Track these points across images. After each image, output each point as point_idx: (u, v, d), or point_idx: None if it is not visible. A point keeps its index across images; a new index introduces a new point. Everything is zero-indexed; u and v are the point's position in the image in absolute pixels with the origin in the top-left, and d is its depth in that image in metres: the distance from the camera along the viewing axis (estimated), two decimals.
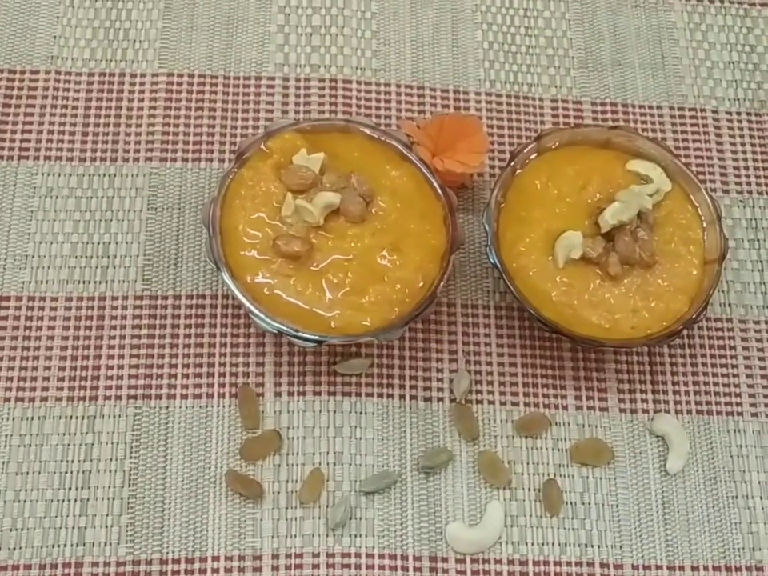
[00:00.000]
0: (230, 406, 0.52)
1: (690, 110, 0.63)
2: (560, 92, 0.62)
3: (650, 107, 0.62)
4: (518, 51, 0.63)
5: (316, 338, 0.49)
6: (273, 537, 0.50)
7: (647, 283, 0.52)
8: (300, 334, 0.49)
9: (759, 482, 0.54)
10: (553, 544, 0.51)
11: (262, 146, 0.52)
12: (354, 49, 0.61)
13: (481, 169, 0.57)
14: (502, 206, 0.53)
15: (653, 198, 0.53)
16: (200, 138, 0.58)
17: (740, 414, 0.55)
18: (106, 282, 0.54)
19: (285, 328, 0.49)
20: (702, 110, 0.63)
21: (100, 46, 0.60)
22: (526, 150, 0.54)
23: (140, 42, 0.60)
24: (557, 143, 0.55)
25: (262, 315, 0.49)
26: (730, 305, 0.58)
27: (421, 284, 0.51)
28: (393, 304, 0.50)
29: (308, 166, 0.51)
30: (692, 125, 0.62)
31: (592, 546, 0.51)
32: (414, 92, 0.61)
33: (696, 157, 0.61)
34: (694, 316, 0.52)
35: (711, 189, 0.60)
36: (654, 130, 0.62)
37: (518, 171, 0.54)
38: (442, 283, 0.51)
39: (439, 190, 0.53)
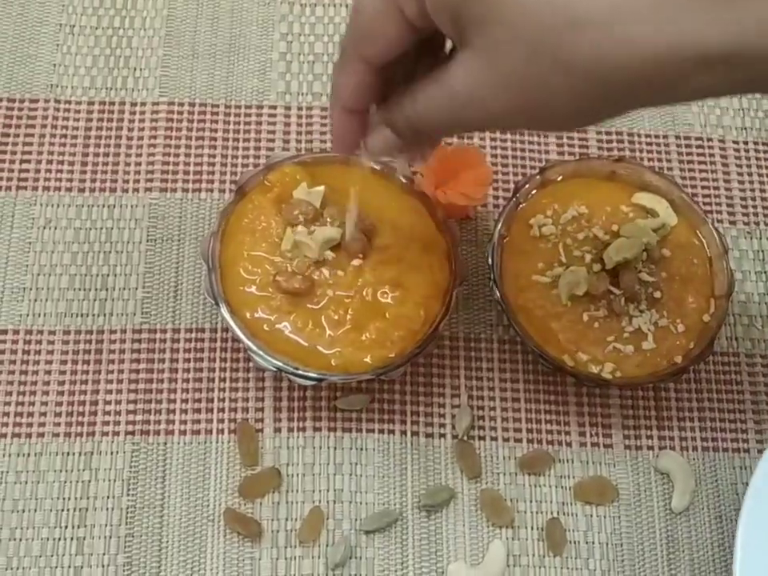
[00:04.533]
0: (228, 442, 0.52)
1: (697, 139, 0.62)
2: None
3: (656, 136, 0.62)
4: None
5: (315, 375, 0.48)
6: None
7: (652, 320, 0.51)
8: (299, 371, 0.48)
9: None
10: None
11: (263, 180, 0.52)
12: None
13: (484, 201, 0.56)
14: (505, 240, 0.52)
15: (658, 233, 0.53)
16: (200, 168, 0.57)
17: (746, 450, 0.54)
18: (105, 315, 0.54)
19: (284, 365, 0.48)
20: (709, 140, 0.62)
21: (100, 74, 0.59)
22: (529, 183, 0.53)
23: (140, 69, 0.60)
24: (561, 176, 0.54)
25: (260, 352, 0.48)
26: (736, 338, 0.57)
27: (423, 320, 0.50)
28: (394, 341, 0.49)
29: (308, 200, 0.51)
30: (698, 154, 0.61)
31: None
32: None
33: (702, 187, 0.60)
34: (700, 352, 0.51)
35: (718, 220, 0.60)
36: (659, 160, 0.61)
37: (521, 205, 0.53)
38: (444, 320, 0.50)
39: (442, 224, 0.52)
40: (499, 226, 0.52)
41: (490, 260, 0.51)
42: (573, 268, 0.51)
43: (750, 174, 0.61)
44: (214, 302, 0.49)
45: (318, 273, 0.50)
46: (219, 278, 0.49)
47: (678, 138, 0.62)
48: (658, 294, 0.51)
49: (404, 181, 0.53)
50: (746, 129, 0.62)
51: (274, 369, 0.48)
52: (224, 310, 0.49)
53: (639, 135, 0.61)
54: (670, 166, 0.61)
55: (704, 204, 0.60)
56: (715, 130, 0.62)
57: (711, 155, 0.61)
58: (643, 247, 0.51)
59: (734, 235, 0.59)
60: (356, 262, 0.50)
